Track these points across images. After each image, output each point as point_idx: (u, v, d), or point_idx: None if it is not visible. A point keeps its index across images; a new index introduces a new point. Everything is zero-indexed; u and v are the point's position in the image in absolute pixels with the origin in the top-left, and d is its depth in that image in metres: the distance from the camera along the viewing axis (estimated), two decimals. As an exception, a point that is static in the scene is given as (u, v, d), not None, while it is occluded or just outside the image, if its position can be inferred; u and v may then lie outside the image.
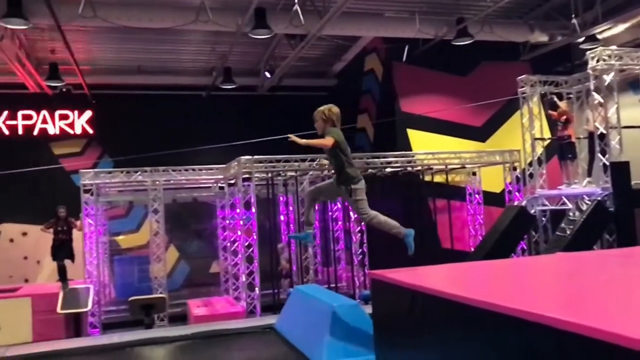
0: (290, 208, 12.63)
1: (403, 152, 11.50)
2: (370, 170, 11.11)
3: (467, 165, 11.88)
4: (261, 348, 6.30)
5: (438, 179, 12.09)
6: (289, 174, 11.13)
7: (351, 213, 10.93)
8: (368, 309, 5.64)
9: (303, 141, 4.90)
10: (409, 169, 11.41)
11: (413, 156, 11.50)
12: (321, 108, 5.12)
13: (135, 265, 12.97)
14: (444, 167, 11.65)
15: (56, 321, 9.79)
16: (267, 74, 13.71)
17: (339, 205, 11.99)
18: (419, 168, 11.50)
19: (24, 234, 13.74)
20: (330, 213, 12.00)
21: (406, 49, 12.09)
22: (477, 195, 12.25)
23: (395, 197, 12.01)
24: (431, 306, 3.91)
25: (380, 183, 11.64)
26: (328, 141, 4.92)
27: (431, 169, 11.66)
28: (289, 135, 5.00)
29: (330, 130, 4.98)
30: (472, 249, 11.47)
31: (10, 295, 10.18)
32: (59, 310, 9.69)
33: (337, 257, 11.82)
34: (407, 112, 12.37)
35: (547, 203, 10.13)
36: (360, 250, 10.85)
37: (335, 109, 5.06)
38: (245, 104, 15.23)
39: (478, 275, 4.90)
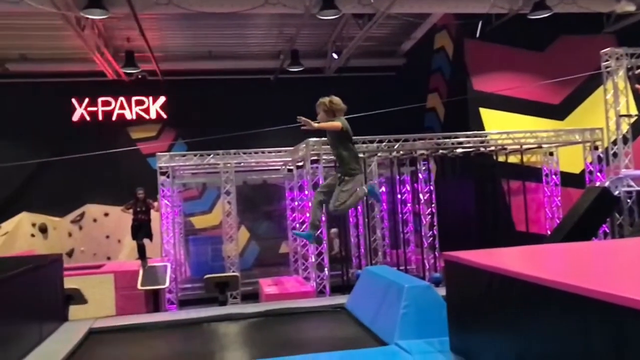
0: (358, 190, 12.57)
1: (475, 132, 11.13)
2: (441, 151, 10.86)
3: (543, 145, 11.35)
4: (333, 326, 6.35)
5: (512, 159, 11.63)
6: (357, 155, 11.05)
7: (421, 195, 10.75)
8: (439, 292, 5.55)
9: (315, 124, 5.00)
10: (482, 149, 11.03)
11: (486, 136, 11.10)
12: (322, 99, 5.14)
13: (209, 245, 13.41)
14: (518, 147, 11.18)
15: (137, 297, 10.31)
16: (335, 55, 13.63)
17: (408, 188, 11.82)
18: (492, 148, 11.10)
19: (106, 214, 14.53)
20: (399, 195, 11.85)
21: (479, 24, 11.61)
22: (554, 176, 11.69)
23: (467, 178, 11.69)
24: (510, 288, 3.78)
25: (451, 164, 11.36)
26: (337, 124, 5.04)
27: (505, 149, 11.23)
28: (300, 117, 5.02)
29: (337, 118, 5.06)
30: (549, 232, 10.99)
31: (95, 272, 10.81)
32: (139, 286, 10.19)
33: (406, 239, 11.68)
34: (479, 90, 11.94)
35: (632, 184, 9.52)
36: (431, 232, 10.66)
37: (336, 100, 5.10)
38: (313, 86, 15.16)
39: (558, 258, 4.68)
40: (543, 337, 3.36)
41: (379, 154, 11.15)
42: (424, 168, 10.81)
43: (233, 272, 10.57)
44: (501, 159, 11.48)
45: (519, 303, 3.71)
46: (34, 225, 14.32)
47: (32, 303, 5.70)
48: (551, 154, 11.73)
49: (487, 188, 11.42)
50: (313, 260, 9.91)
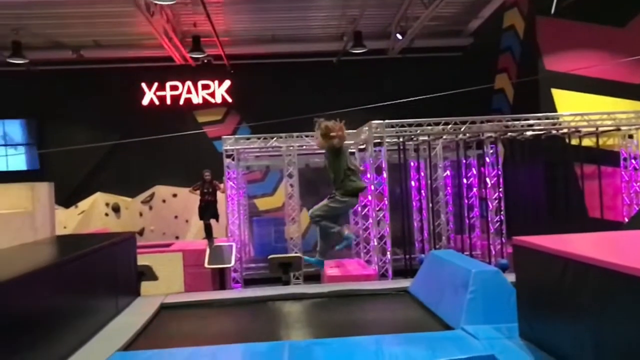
0: (422, 173, 12.37)
1: (547, 114, 10.64)
2: (509, 134, 10.47)
3: (622, 127, 10.69)
4: (396, 309, 6.32)
5: (587, 142, 11.04)
6: (421, 138, 10.85)
7: (488, 179, 10.43)
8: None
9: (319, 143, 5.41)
10: (554, 131, 10.54)
11: (558, 118, 10.59)
12: (321, 123, 5.39)
13: (272, 226, 13.64)
14: (594, 129, 10.60)
15: (204, 275, 10.65)
16: (399, 36, 13.37)
17: (474, 172, 11.50)
18: (565, 131, 10.58)
19: (174, 195, 15.06)
20: (464, 180, 11.56)
21: (555, 0, 11.02)
22: (633, 161, 11.01)
23: (537, 162, 11.23)
24: (587, 275, 3.61)
25: (520, 147, 10.93)
26: (341, 139, 5.28)
27: (579, 131, 10.67)
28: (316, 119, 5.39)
29: (333, 141, 5.27)
30: (626, 219, 10.40)
31: (165, 250, 11.25)
32: (206, 265, 10.53)
33: (471, 224, 11.39)
34: (552, 70, 11.38)
35: None
36: (497, 217, 10.34)
37: (331, 125, 5.33)
38: (376, 67, 15.08)
39: (639, 245, 4.43)
40: (622, 325, 3.21)
41: (444, 137, 10.89)
42: (491, 151, 10.46)
43: (296, 253, 10.70)
44: (574, 142, 10.93)
45: (596, 290, 3.54)
46: (107, 204, 15.06)
47: (109, 277, 6.00)
48: (630, 136, 11.04)
49: (558, 172, 10.92)
50: (375, 243, 9.87)
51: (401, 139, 10.48)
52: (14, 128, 15.07)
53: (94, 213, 14.95)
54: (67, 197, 14.31)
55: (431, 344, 4.51)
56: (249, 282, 11.35)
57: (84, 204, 14.94)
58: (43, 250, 5.77)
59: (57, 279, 4.53)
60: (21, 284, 3.86)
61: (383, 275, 9.51)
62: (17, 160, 14.90)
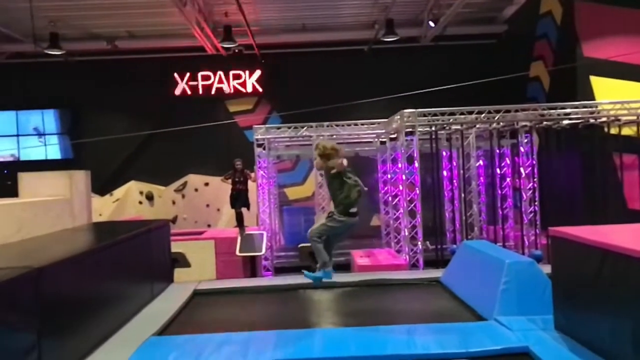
0: (454, 163, 12.22)
1: (585, 102, 10.36)
2: (545, 123, 10.23)
3: (663, 116, 10.34)
4: (428, 299, 6.26)
5: (627, 131, 10.71)
6: (454, 127, 10.70)
7: (522, 169, 10.23)
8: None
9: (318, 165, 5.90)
10: (592, 120, 10.25)
11: (597, 106, 10.29)
12: (319, 145, 5.71)
13: (302, 215, 13.68)
14: (635, 117, 10.27)
15: (235, 262, 10.79)
16: (431, 24, 13.16)
17: (508, 161, 11.29)
18: (604, 119, 10.27)
19: (206, 184, 15.26)
20: (498, 170, 11.36)
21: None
22: (676, 151, 10.63)
23: (574, 152, 10.94)
24: (627, 267, 3.52)
25: (555, 137, 10.67)
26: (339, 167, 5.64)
27: (619, 120, 10.34)
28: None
29: (332, 162, 5.59)
30: (668, 212, 10.08)
31: (198, 238, 11.43)
32: (237, 252, 10.65)
33: (504, 215, 11.21)
34: (590, 57, 11.04)
35: None
36: (532, 208, 10.15)
37: (329, 144, 5.70)
38: (408, 55, 14.92)
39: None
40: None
41: (477, 126, 10.71)
42: (525, 141, 10.25)
43: (326, 242, 10.71)
44: (613, 130, 10.61)
45: (636, 282, 3.44)
46: (141, 193, 15.38)
47: (145, 264, 6.13)
48: (673, 126, 10.65)
49: (595, 162, 10.63)
50: (406, 233, 9.81)
51: (433, 128, 10.35)
52: (50, 118, 15.46)
53: (128, 201, 15.29)
54: (102, 185, 14.63)
55: (464, 335, 4.47)
56: (279, 271, 11.44)
57: (118, 192, 15.28)
58: (83, 236, 5.93)
59: (96, 264, 4.65)
60: (64, 268, 3.98)
61: (414, 265, 9.46)
62: (54, 150, 15.31)
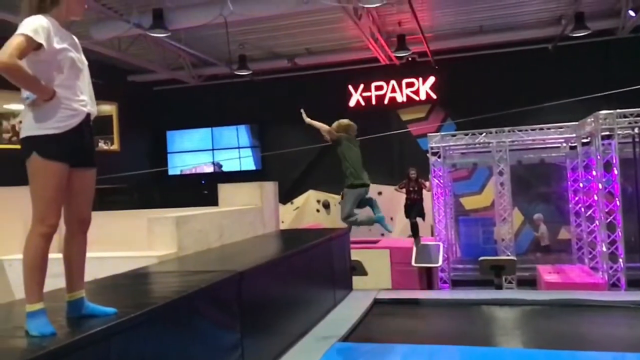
0: (661, 169, 10.66)
1: None
2: None
3: None
4: (634, 325, 5.51)
5: None
6: (661, 128, 9.34)
7: None
8: None
9: (307, 119, 6.17)
10: None
11: None
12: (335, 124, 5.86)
13: (479, 226, 13.07)
14: None
15: (410, 273, 10.66)
16: (631, 13, 11.68)
17: None
18: None
19: (380, 193, 15.34)
20: None
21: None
22: None
23: None
24: None
25: None
26: (324, 128, 5.95)
27: None
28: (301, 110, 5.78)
29: (341, 136, 5.71)
30: None
31: (373, 247, 11.55)
32: (413, 263, 10.52)
33: None
34: None
35: None
36: None
37: (344, 122, 5.88)
38: (601, 51, 13.46)
39: None
40: None
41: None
42: None
43: (508, 255, 10.08)
44: None
45: None
46: (318, 201, 16.06)
47: (328, 271, 6.34)
48: None
49: None
50: (604, 249, 8.77)
51: (636, 130, 9.15)
52: (243, 133, 17.03)
53: (307, 209, 16.07)
54: (284, 194, 15.60)
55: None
56: (456, 283, 11.06)
57: (298, 201, 16.15)
58: (273, 242, 6.35)
59: (287, 269, 4.92)
60: (262, 272, 4.27)
61: (614, 285, 8.41)
62: (247, 162, 16.84)
